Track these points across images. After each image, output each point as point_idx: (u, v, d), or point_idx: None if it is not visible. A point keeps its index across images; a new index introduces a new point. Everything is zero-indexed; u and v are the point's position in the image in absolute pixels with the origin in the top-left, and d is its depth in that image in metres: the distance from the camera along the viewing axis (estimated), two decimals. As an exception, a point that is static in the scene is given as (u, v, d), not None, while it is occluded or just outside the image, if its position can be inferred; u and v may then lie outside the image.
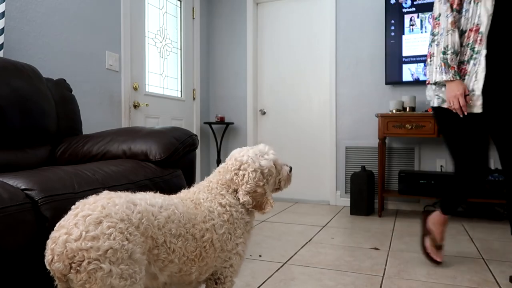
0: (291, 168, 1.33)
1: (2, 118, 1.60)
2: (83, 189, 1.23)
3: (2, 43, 1.99)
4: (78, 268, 0.81)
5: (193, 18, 4.03)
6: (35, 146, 1.77)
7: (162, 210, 0.99)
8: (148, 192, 1.07)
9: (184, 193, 1.19)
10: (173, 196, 1.13)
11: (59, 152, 1.85)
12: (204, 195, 1.16)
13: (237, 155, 1.22)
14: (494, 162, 3.36)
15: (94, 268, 0.81)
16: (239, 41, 4.23)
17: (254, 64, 4.23)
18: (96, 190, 1.20)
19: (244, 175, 1.17)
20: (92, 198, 0.93)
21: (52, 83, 2.01)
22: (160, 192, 1.12)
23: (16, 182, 1.13)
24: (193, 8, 4.01)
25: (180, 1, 3.84)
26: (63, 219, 0.89)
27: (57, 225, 0.88)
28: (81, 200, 0.93)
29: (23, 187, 1.12)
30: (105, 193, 0.96)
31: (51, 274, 0.87)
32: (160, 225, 0.96)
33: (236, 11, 4.24)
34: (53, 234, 0.86)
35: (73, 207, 0.91)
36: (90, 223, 0.84)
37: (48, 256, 0.85)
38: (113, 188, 1.31)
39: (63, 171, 1.29)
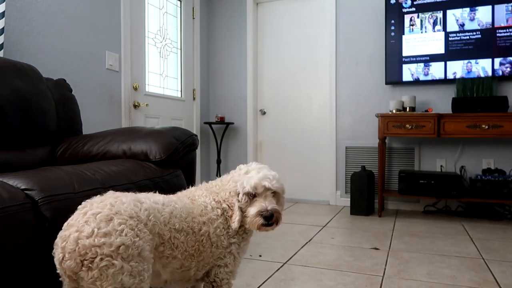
0: (266, 217, 1.10)
1: (2, 118, 1.60)
2: (83, 189, 1.23)
3: (2, 43, 1.99)
4: (90, 265, 0.82)
5: (193, 18, 4.03)
6: (35, 146, 1.77)
7: (164, 206, 1.01)
8: (147, 192, 1.08)
9: (181, 192, 1.22)
10: (170, 195, 1.16)
11: (59, 152, 1.85)
12: (200, 192, 1.19)
13: (243, 165, 1.22)
14: (494, 162, 3.37)
15: (106, 264, 0.82)
16: (239, 41, 4.23)
17: (254, 64, 4.22)
18: (96, 190, 1.21)
19: (228, 181, 1.18)
20: (98, 198, 0.94)
21: (52, 83, 2.01)
22: (160, 192, 1.13)
23: (16, 182, 1.13)
24: (193, 8, 4.01)
25: (180, 1, 3.84)
26: (71, 218, 0.90)
27: (65, 224, 0.89)
28: (87, 200, 0.94)
29: (23, 187, 1.12)
30: (110, 193, 0.97)
31: (60, 274, 0.87)
32: (166, 221, 0.98)
33: (236, 11, 4.24)
34: (63, 233, 0.87)
35: (80, 206, 0.92)
36: (101, 220, 0.85)
37: (58, 255, 0.85)
38: (113, 188, 1.31)
39: (63, 171, 1.29)
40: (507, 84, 3.31)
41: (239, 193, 1.13)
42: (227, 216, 1.14)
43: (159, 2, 3.53)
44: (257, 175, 1.13)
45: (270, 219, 1.10)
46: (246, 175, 1.15)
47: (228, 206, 1.14)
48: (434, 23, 3.44)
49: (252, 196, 1.12)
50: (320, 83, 3.99)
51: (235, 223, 1.12)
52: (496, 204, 3.27)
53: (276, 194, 1.15)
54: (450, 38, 3.39)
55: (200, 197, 1.16)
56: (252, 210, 1.11)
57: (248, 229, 1.17)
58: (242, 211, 1.13)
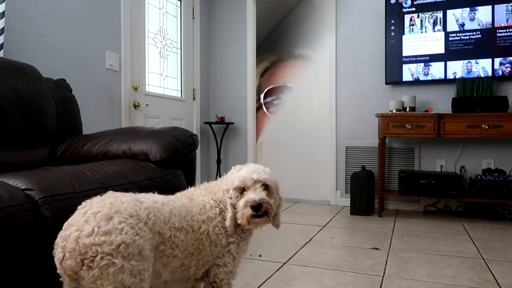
0: (254, 207, 1.08)
1: (2, 118, 1.60)
2: (83, 189, 1.23)
3: (2, 43, 1.99)
4: (90, 264, 0.82)
5: (193, 18, 4.02)
6: (35, 146, 1.77)
7: (164, 205, 1.02)
8: (146, 193, 1.09)
9: (180, 193, 1.23)
10: (169, 195, 1.16)
11: (59, 152, 1.85)
12: (199, 191, 1.19)
13: (240, 165, 1.22)
14: (494, 162, 3.37)
15: (106, 263, 0.82)
16: (239, 41, 4.23)
17: (254, 64, 4.22)
18: (96, 190, 1.21)
19: (226, 180, 1.18)
20: (98, 198, 0.94)
21: (52, 83, 2.01)
22: (160, 192, 1.14)
23: (16, 182, 1.13)
24: (193, 8, 4.01)
25: (180, 1, 3.84)
26: (71, 218, 0.90)
27: (65, 224, 0.89)
28: (87, 200, 0.94)
29: (23, 187, 1.12)
30: (110, 193, 0.98)
31: (60, 273, 0.87)
32: (166, 220, 0.99)
33: (236, 11, 4.23)
34: (63, 233, 0.87)
35: (79, 206, 0.93)
36: (101, 219, 0.86)
37: (58, 254, 0.85)
38: (113, 188, 1.31)
39: (63, 171, 1.29)
40: (507, 84, 3.31)
41: (229, 190, 1.13)
42: (224, 216, 1.15)
43: (159, 2, 3.53)
44: (247, 170, 1.14)
45: (258, 209, 1.07)
46: (237, 172, 1.15)
47: (224, 206, 1.14)
48: (434, 23, 3.44)
49: (241, 190, 1.12)
50: (320, 83, 3.99)
51: (227, 221, 1.12)
52: (496, 204, 3.27)
53: (268, 189, 1.12)
54: (450, 38, 3.39)
55: (199, 196, 1.17)
56: (240, 203, 1.10)
57: (244, 226, 1.15)
58: (234, 208, 1.13)
